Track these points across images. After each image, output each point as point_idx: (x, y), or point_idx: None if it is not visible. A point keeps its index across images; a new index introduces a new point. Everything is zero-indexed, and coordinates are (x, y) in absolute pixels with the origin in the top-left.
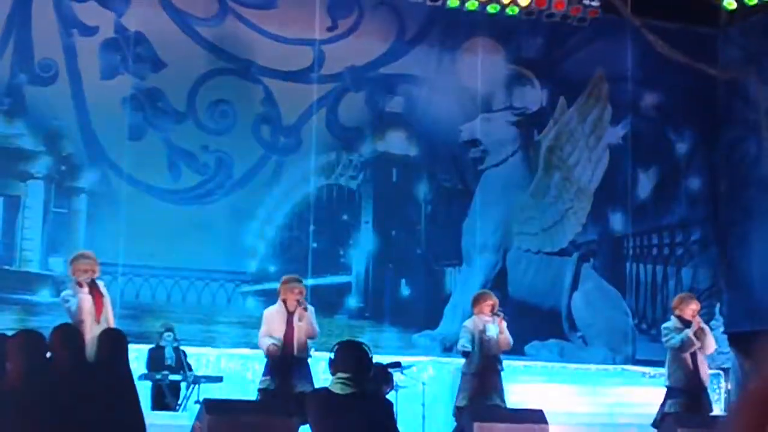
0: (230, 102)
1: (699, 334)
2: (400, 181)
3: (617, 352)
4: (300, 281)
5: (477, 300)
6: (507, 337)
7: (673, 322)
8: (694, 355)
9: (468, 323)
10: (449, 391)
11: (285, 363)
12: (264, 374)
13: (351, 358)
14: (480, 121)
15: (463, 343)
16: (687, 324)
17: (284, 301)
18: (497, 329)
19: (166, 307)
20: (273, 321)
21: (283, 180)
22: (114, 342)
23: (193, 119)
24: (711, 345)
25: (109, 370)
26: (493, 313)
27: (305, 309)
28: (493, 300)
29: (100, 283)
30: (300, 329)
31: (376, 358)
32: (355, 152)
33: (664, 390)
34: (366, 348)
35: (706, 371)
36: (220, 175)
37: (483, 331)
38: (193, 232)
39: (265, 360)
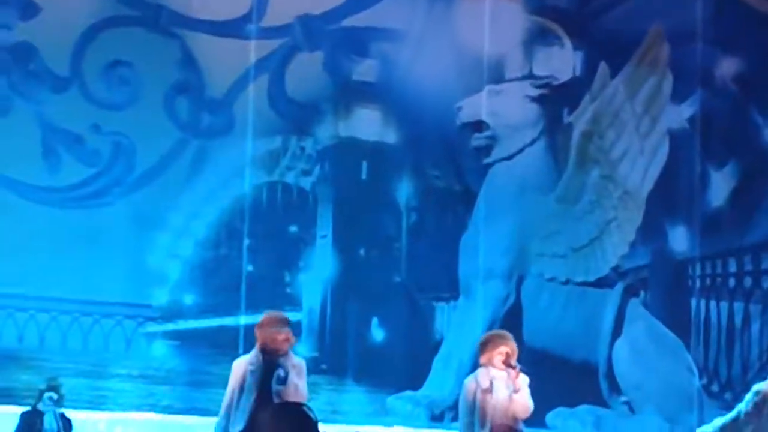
0: (132, 64)
1: None
2: (372, 178)
3: (677, 425)
4: (288, 324)
5: (487, 344)
6: (525, 400)
7: None
8: None
9: (469, 381)
10: None
11: None
12: None
13: (288, 428)
14: (487, 96)
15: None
16: None
17: (263, 348)
18: (510, 388)
19: (39, 354)
20: (245, 372)
21: (207, 175)
22: None
23: (80, 87)
24: None
25: None
26: (507, 366)
27: (283, 377)
28: (509, 346)
29: None
30: (287, 393)
31: (332, 429)
32: (309, 137)
33: None
34: (309, 412)
35: None
36: (117, 168)
37: (488, 390)
38: (78, 247)
39: None
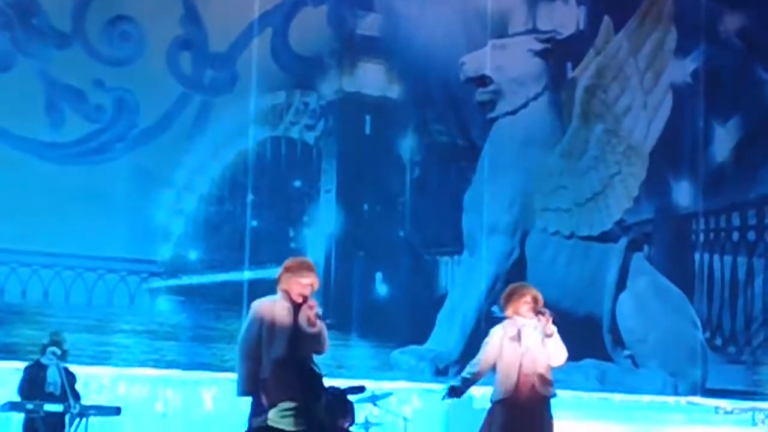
0: (135, 19)
1: None
2: (375, 133)
3: (681, 379)
4: (313, 270)
5: (511, 295)
6: (558, 346)
7: None
8: None
9: (496, 329)
10: (443, 430)
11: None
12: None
13: (296, 380)
14: (491, 50)
15: (468, 370)
16: None
17: (287, 293)
18: (540, 335)
19: (43, 309)
20: (273, 316)
21: (211, 130)
22: None
23: (82, 43)
24: None
25: None
26: (537, 312)
27: (318, 315)
28: (532, 293)
29: None
30: (316, 334)
31: (334, 382)
32: (313, 92)
33: None
34: (314, 367)
35: None
36: (120, 123)
37: (515, 338)
38: (81, 203)
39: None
